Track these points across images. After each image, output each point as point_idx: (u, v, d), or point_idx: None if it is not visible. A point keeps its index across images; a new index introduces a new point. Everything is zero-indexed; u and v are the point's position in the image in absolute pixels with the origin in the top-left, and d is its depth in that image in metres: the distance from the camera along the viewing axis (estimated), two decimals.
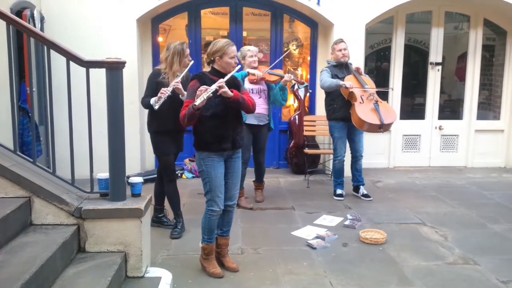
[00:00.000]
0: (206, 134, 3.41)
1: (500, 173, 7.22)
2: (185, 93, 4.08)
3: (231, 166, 3.56)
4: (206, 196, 3.51)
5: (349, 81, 5.31)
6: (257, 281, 3.50)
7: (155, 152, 4.42)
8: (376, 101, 5.35)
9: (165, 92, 3.99)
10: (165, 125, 4.23)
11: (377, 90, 5.47)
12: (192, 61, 4.29)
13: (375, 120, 5.21)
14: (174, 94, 4.10)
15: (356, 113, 5.24)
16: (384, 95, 5.68)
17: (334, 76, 5.47)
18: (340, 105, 5.43)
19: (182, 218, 4.48)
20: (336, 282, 3.50)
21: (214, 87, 3.25)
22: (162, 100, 4.00)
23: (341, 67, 5.52)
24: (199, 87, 3.28)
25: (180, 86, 4.05)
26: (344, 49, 5.47)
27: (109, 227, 3.15)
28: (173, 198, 4.43)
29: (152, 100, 4.11)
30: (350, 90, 5.26)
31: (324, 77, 5.43)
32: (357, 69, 5.54)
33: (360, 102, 5.30)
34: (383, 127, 5.25)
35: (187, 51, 4.26)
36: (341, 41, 5.55)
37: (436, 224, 4.80)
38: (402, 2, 6.64)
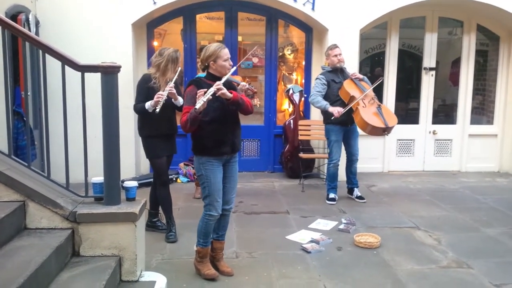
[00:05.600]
0: (205, 138, 3.42)
1: (493, 177, 7.26)
2: (178, 97, 4.16)
3: (228, 170, 3.57)
4: (205, 200, 3.51)
5: (337, 108, 5.33)
6: (251, 285, 3.51)
7: (147, 156, 4.43)
8: (378, 105, 5.41)
9: (162, 96, 4.01)
10: (158, 129, 4.26)
11: (372, 87, 5.48)
12: (180, 68, 4.31)
13: (379, 124, 5.27)
14: (167, 98, 4.14)
15: (361, 116, 5.27)
16: (378, 98, 5.71)
17: (330, 81, 5.51)
18: (331, 117, 5.42)
19: (175, 222, 4.48)
20: (331, 286, 3.51)
21: (212, 89, 3.25)
22: (161, 104, 4.00)
23: (336, 72, 5.56)
24: (197, 92, 3.29)
25: (174, 90, 4.08)
26: (340, 54, 5.52)
27: (103, 231, 3.15)
28: (166, 202, 4.43)
29: (147, 105, 4.12)
30: (351, 95, 5.36)
31: (315, 94, 5.49)
32: (356, 77, 5.52)
33: (363, 106, 5.35)
34: (387, 130, 5.32)
35: (179, 58, 4.29)
36: (336, 46, 5.59)
37: (430, 228, 4.82)
38: (396, 7, 6.69)
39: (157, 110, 4.03)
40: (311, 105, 5.66)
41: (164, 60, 4.18)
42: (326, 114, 5.60)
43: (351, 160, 5.74)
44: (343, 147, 5.71)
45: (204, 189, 3.49)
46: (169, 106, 4.22)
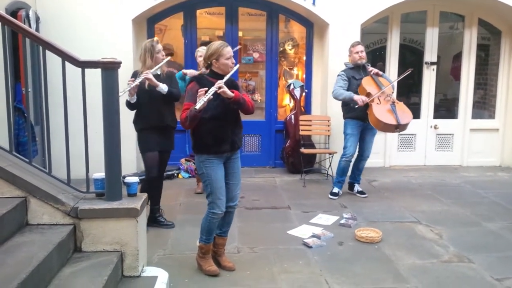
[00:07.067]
0: (205, 136, 3.41)
1: (495, 171, 7.26)
2: (159, 84, 4.20)
3: (231, 166, 3.56)
4: (208, 198, 3.50)
5: (362, 96, 5.35)
6: (253, 280, 3.52)
7: (140, 150, 4.46)
8: (393, 102, 5.44)
9: (131, 82, 4.11)
10: (149, 122, 4.30)
11: (398, 79, 5.53)
12: (169, 57, 4.34)
13: (391, 121, 5.29)
14: (152, 90, 4.18)
15: (374, 113, 5.31)
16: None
17: (351, 78, 5.54)
18: (356, 105, 5.46)
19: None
20: (332, 280, 3.52)
21: (213, 89, 3.26)
22: (128, 88, 4.07)
23: (358, 69, 5.59)
24: (198, 89, 3.29)
25: (150, 76, 4.12)
26: (361, 52, 5.56)
27: (105, 227, 3.15)
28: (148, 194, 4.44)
29: (128, 96, 4.18)
30: (367, 92, 5.38)
31: (337, 89, 5.49)
32: (376, 73, 5.59)
33: (377, 103, 5.37)
34: (399, 127, 5.34)
35: (158, 47, 4.31)
36: (358, 43, 5.63)
37: (431, 222, 4.83)
38: (397, 2, 6.67)
39: (133, 100, 4.17)
40: (335, 100, 5.59)
41: (142, 52, 4.27)
42: (346, 108, 5.63)
43: (361, 156, 5.76)
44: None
45: (206, 187, 3.49)
46: (157, 97, 4.25)
